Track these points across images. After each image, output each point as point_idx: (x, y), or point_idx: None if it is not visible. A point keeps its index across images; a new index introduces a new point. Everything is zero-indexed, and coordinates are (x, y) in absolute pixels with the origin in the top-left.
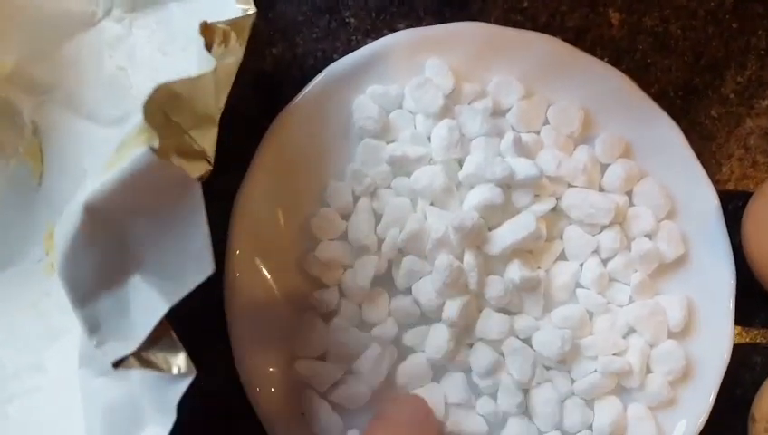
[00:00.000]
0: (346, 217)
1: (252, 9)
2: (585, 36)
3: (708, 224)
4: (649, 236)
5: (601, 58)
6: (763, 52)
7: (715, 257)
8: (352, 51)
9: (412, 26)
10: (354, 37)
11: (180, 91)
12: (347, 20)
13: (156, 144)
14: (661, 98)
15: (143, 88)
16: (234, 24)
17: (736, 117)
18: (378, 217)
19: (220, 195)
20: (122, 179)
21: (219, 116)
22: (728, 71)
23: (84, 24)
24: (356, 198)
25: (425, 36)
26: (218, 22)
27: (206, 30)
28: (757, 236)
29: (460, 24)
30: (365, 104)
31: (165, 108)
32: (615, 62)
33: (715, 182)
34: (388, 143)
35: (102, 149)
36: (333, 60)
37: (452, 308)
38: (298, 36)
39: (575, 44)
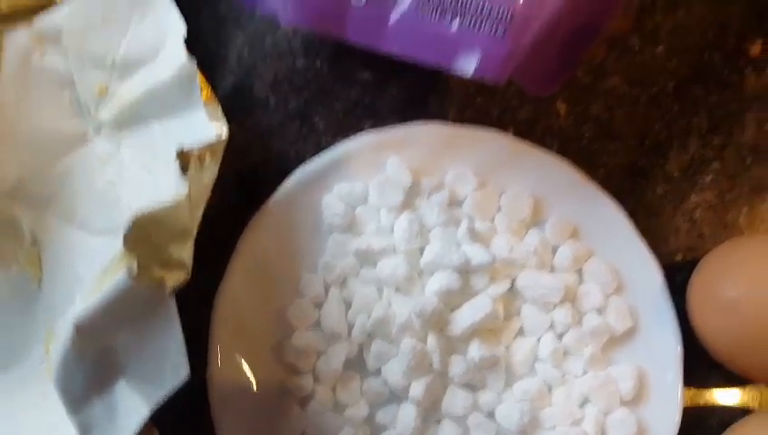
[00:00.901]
0: (319, 305)
1: (225, 133)
2: (535, 127)
3: (654, 297)
4: (599, 311)
5: (551, 146)
6: (704, 130)
7: (662, 328)
8: (322, 150)
9: (377, 125)
10: (324, 138)
11: (158, 216)
12: (316, 125)
13: (134, 269)
14: (608, 180)
15: (131, 202)
16: (208, 147)
17: (681, 193)
18: (348, 305)
19: (204, 287)
20: (106, 302)
21: (197, 227)
22: (672, 150)
23: (78, 142)
24: (327, 288)
25: (386, 138)
26: (193, 146)
27: (183, 156)
28: (700, 307)
29: (418, 125)
30: (332, 202)
31: (144, 231)
32: (563, 148)
33: (664, 254)
34: (355, 237)
35: (94, 257)
36: (305, 159)
37: (417, 388)
38: (273, 140)
39: (526, 134)
